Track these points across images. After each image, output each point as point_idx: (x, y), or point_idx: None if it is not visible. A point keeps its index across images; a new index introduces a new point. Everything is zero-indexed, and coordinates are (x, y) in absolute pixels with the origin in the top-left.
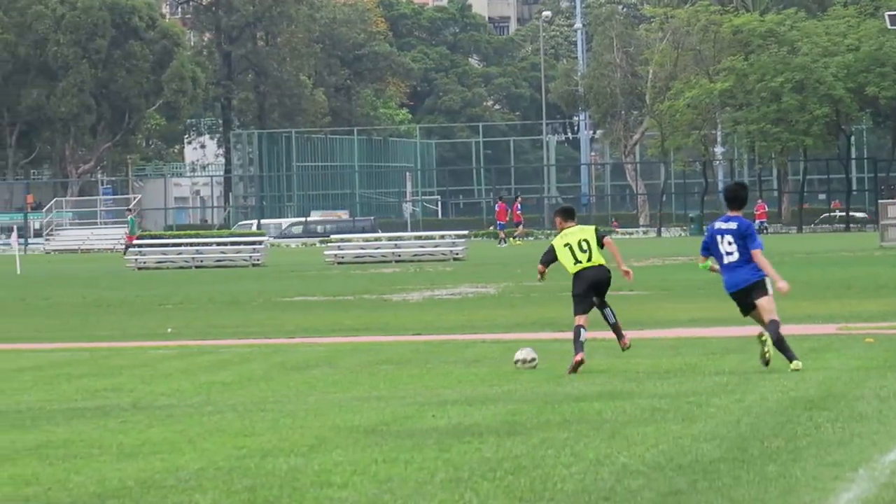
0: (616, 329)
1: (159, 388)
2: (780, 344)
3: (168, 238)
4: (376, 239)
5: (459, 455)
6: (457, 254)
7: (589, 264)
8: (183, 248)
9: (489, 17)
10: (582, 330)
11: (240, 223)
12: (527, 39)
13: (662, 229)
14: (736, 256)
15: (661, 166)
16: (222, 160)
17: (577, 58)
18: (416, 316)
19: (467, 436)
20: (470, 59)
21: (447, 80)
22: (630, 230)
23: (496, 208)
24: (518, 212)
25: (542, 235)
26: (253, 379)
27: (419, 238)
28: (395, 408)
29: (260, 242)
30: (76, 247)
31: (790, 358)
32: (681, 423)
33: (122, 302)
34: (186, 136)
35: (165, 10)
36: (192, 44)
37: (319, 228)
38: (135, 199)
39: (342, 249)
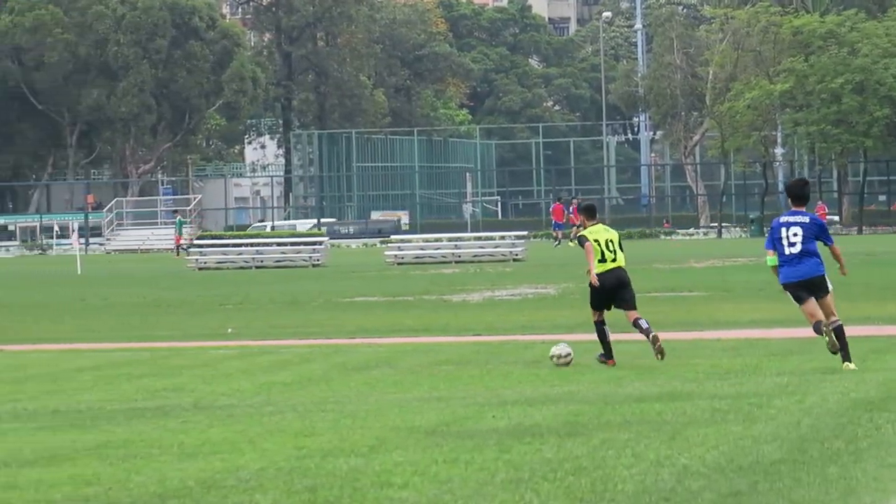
0: (649, 334)
1: (220, 388)
2: (842, 341)
3: (228, 238)
4: (436, 240)
5: (520, 456)
6: (516, 255)
7: (613, 265)
8: (243, 248)
9: (549, 18)
10: (605, 328)
11: (254, 224)
12: (587, 40)
13: (722, 230)
14: (798, 248)
15: (721, 167)
16: (282, 160)
17: (637, 59)
18: (477, 316)
19: (528, 436)
20: (530, 60)
21: (507, 80)
22: (690, 231)
23: (552, 208)
24: (571, 213)
25: None
26: (313, 379)
27: (479, 239)
28: (456, 408)
29: (320, 243)
30: (136, 247)
31: (846, 358)
32: (741, 424)
33: (183, 302)
34: (246, 136)
35: (226, 10)
36: (253, 44)
37: (343, 230)
38: (195, 199)
39: (402, 250)
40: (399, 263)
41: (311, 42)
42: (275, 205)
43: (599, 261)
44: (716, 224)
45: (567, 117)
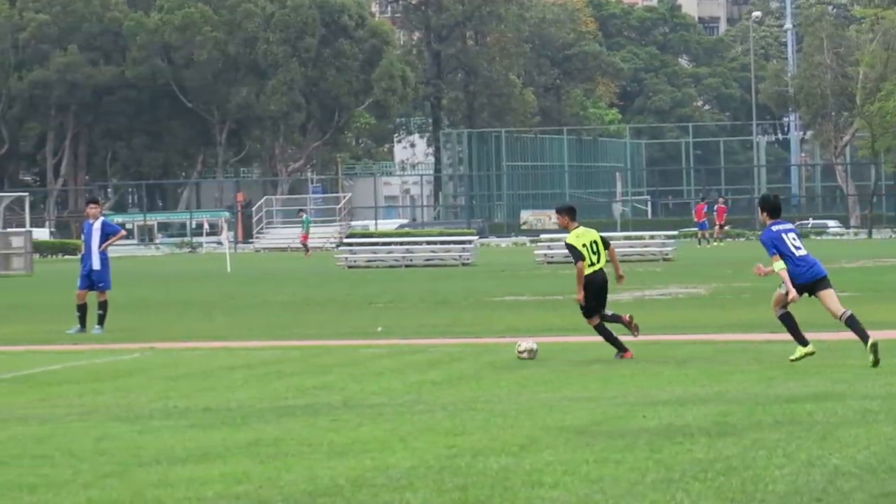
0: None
1: (370, 386)
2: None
3: (378, 237)
4: None
5: (671, 456)
6: (666, 254)
7: (598, 266)
8: (393, 246)
9: (699, 18)
10: (605, 326)
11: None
12: (736, 40)
13: (873, 231)
14: (804, 251)
15: (872, 167)
16: (432, 159)
17: (786, 58)
18: None
19: (678, 436)
20: (679, 60)
21: (657, 80)
22: (840, 231)
23: (694, 208)
24: (715, 213)
25: (752, 236)
26: (463, 378)
27: (629, 238)
28: (606, 408)
29: (470, 242)
30: (285, 245)
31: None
32: (893, 424)
33: (332, 300)
34: (396, 134)
35: (375, 8)
36: (402, 43)
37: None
38: (344, 197)
39: (552, 249)
40: (549, 262)
41: (461, 41)
42: (424, 203)
43: (589, 265)
44: (866, 224)
45: (717, 117)
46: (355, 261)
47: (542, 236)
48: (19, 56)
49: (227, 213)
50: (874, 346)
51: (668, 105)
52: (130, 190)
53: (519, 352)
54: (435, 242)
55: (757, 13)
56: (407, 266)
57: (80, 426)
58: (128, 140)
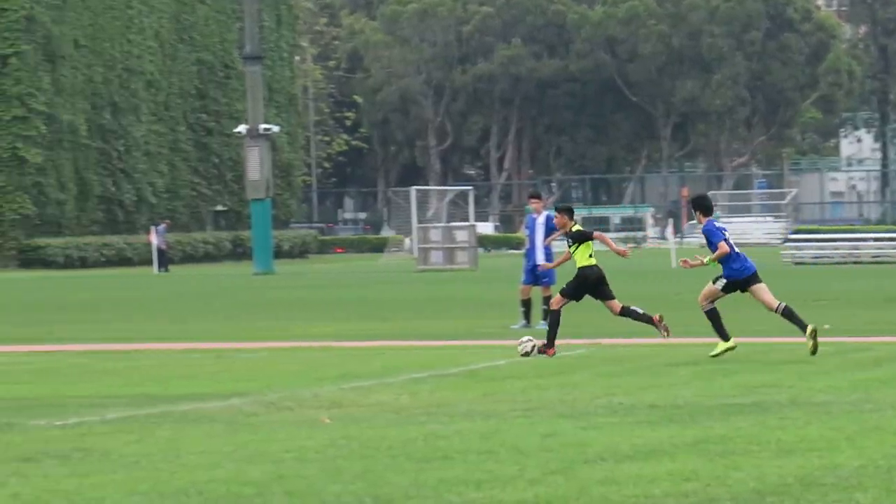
0: (648, 318)
1: (816, 384)
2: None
3: (824, 233)
4: None
5: None
6: None
7: (595, 262)
8: (839, 243)
9: None
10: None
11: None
12: None
13: None
14: (737, 248)
15: None
16: (878, 154)
17: None
18: None
19: None
20: None
21: None
22: None
23: None
24: None
25: None
26: None
27: None
28: None
29: None
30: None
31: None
32: None
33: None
34: (842, 129)
35: (820, 2)
36: (848, 36)
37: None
38: (790, 193)
39: None
40: None
41: None
42: (871, 199)
43: (589, 255)
44: None
45: None
46: (801, 257)
47: None
48: (463, 49)
49: (651, 209)
50: (814, 332)
51: None
52: (574, 184)
53: (527, 350)
54: (882, 239)
55: None
56: (854, 263)
57: (524, 422)
58: (572, 134)
